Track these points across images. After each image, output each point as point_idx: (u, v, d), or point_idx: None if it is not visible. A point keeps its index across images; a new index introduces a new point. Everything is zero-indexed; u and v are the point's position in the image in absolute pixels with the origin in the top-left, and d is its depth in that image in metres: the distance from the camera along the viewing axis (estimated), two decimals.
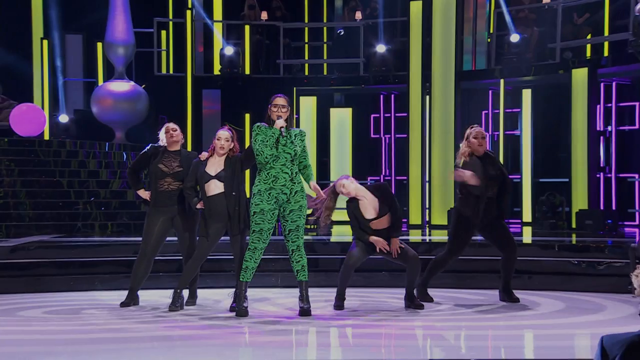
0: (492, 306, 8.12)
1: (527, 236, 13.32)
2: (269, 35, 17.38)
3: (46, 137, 15.72)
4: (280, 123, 7.34)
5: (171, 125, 8.19)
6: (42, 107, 16.13)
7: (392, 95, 17.33)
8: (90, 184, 14.00)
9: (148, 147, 8.18)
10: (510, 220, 16.54)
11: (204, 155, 7.84)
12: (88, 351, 5.94)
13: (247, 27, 16.97)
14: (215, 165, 7.71)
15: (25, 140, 14.41)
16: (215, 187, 7.66)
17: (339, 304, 7.84)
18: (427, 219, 15.25)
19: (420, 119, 15.35)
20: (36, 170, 13.78)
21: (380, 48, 16.51)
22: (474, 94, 17.03)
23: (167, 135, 8.08)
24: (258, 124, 7.52)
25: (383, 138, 17.57)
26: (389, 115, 17.48)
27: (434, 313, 7.71)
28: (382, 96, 17.47)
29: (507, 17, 15.60)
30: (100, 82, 17.12)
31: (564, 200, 14.44)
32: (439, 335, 6.80)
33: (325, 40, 18.25)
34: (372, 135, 17.74)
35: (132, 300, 8.03)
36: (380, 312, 7.78)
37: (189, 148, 15.25)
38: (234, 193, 7.62)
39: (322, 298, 8.32)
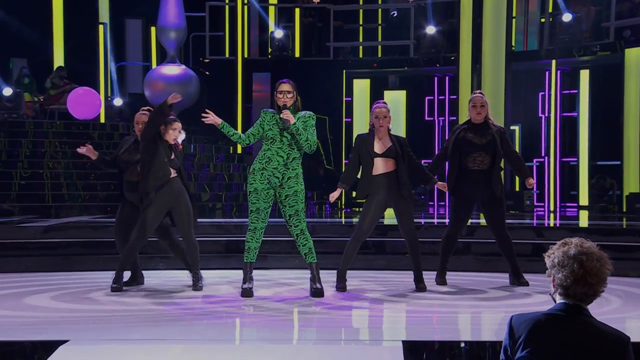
0: (495, 290, 7.98)
1: (583, 220, 13.06)
2: (320, 18, 17.36)
3: (102, 120, 16.09)
4: (285, 115, 7.27)
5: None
6: (99, 91, 16.50)
7: (447, 78, 17.13)
8: None
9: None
10: (567, 204, 16.24)
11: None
12: (65, 329, 6.06)
13: (297, 10, 17.01)
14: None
15: (79, 122, 14.76)
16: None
17: (342, 285, 7.74)
18: None
19: None
20: None
21: (430, 29, 16.32)
22: (530, 75, 16.69)
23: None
24: (265, 109, 7.56)
25: (437, 120, 17.39)
26: (443, 97, 17.29)
27: (433, 296, 7.60)
28: (436, 78, 17.29)
29: None
30: (154, 65, 17.42)
31: (614, 184, 14.06)
32: (418, 318, 6.78)
33: (380, 22, 18.13)
34: (427, 118, 17.58)
35: (134, 281, 8.19)
36: (388, 294, 7.73)
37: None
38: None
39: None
